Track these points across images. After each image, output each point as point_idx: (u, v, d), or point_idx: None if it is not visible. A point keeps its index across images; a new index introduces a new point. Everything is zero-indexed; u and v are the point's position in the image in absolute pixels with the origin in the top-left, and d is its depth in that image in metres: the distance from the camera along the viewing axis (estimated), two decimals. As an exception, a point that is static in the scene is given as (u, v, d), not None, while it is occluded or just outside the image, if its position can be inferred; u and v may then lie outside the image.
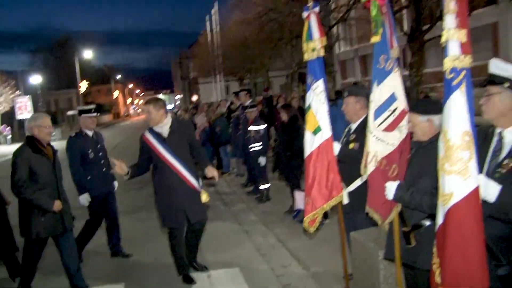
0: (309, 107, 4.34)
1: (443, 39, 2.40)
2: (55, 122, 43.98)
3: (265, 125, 8.97)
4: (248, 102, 9.59)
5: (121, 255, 6.26)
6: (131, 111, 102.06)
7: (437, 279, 2.50)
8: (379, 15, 3.38)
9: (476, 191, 2.35)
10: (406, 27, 17.38)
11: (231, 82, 44.01)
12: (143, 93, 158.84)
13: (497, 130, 2.67)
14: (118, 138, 31.10)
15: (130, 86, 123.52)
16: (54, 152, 4.96)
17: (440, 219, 2.50)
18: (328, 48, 31.28)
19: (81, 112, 6.08)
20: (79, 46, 60.21)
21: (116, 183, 6.33)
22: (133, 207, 9.14)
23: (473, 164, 2.35)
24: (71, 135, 6.09)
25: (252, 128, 8.73)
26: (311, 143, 4.27)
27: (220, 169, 12.22)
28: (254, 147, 8.64)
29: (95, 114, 6.07)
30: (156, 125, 5.04)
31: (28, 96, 37.81)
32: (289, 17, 20.20)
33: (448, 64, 2.38)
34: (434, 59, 26.82)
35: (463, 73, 2.37)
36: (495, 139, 2.68)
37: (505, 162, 2.57)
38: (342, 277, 4.71)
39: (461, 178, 2.35)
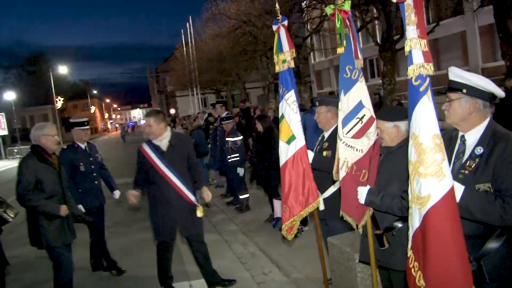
0: (282, 116, 4.45)
1: (406, 49, 2.53)
2: (29, 139, 43.35)
3: (241, 137, 9.08)
4: (224, 114, 9.70)
5: (103, 269, 6.25)
6: (109, 125, 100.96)
7: (419, 282, 2.53)
8: (343, 27, 3.53)
9: (451, 191, 2.43)
10: (378, 37, 17.73)
11: (208, 94, 44.09)
12: (120, 108, 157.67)
13: (460, 134, 2.81)
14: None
15: (107, 100, 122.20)
16: (59, 162, 4.95)
17: (416, 223, 2.53)
18: (303, 59, 31.75)
19: (73, 125, 6.06)
20: (53, 62, 59.66)
21: (117, 192, 6.49)
22: (111, 221, 9.10)
23: (446, 165, 2.44)
24: (63, 147, 6.07)
25: (229, 139, 8.83)
26: (285, 152, 4.36)
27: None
28: (232, 158, 8.73)
29: (87, 126, 6.08)
30: (156, 138, 5.00)
31: (2, 113, 37.20)
32: (263, 30, 20.42)
33: (413, 71, 2.50)
34: (407, 68, 27.41)
35: (428, 79, 2.49)
36: (458, 142, 2.82)
37: (468, 163, 2.70)
38: (322, 282, 4.82)
39: (436, 180, 2.41)
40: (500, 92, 2.67)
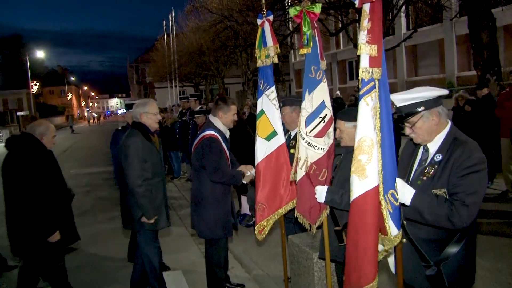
0: (262, 112, 4.38)
1: (358, 52, 2.63)
2: (2, 123, 42.37)
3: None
4: (197, 108, 9.64)
5: None
6: (86, 113, 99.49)
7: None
8: (309, 29, 3.54)
9: (372, 192, 2.58)
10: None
11: (187, 87, 43.83)
12: (97, 96, 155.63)
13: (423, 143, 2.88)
14: (70, 141, 30.45)
15: (85, 88, 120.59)
16: (160, 142, 4.86)
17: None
18: (283, 57, 31.78)
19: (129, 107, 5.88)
20: (30, 45, 58.46)
21: None
22: (78, 210, 8.97)
23: (371, 167, 2.57)
24: (117, 128, 5.80)
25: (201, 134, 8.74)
26: (263, 149, 4.30)
27: (171, 174, 12.20)
28: (203, 152, 8.65)
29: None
30: (230, 126, 4.80)
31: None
32: (243, 26, 20.40)
33: (360, 75, 2.61)
34: (385, 72, 27.73)
35: (371, 84, 2.59)
36: (421, 150, 2.90)
37: (426, 170, 2.77)
38: (282, 280, 4.84)
39: (357, 178, 2.64)
40: (443, 91, 2.75)
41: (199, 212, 4.64)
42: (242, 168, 4.75)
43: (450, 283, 2.68)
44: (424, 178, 2.75)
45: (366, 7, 2.58)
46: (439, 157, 2.72)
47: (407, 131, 2.84)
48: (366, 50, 2.57)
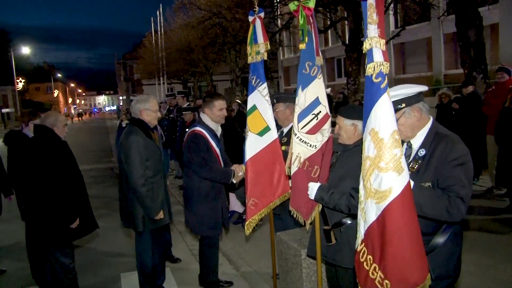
0: (254, 108, 4.37)
1: (367, 46, 2.54)
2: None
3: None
4: (185, 105, 9.59)
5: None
6: (72, 111, 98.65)
7: (374, 275, 2.56)
8: (305, 24, 3.53)
9: (409, 184, 2.48)
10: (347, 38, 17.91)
11: (175, 84, 43.66)
12: (85, 93, 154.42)
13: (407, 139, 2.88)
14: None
15: (72, 85, 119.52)
16: (159, 138, 4.81)
17: (372, 217, 2.55)
18: (272, 54, 31.78)
19: None
20: (16, 41, 57.71)
21: None
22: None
23: (403, 160, 2.48)
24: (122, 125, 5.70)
25: (188, 130, 8.70)
26: (255, 144, 4.29)
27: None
28: (191, 149, 8.61)
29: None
30: (219, 122, 4.74)
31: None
32: (232, 22, 20.36)
33: (373, 69, 2.51)
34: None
35: (387, 78, 2.53)
36: (405, 146, 2.89)
37: (411, 165, 2.77)
38: (271, 276, 4.83)
39: (396, 174, 2.45)
40: (423, 87, 2.78)
41: (190, 208, 4.69)
42: (234, 167, 4.71)
43: (437, 277, 2.67)
44: (409, 173, 2.75)
45: (373, 0, 2.50)
46: (422, 152, 2.75)
47: None
48: (379, 44, 2.50)
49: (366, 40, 2.55)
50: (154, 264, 4.74)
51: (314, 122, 3.56)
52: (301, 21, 3.54)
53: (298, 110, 3.59)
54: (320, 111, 3.57)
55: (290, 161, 3.68)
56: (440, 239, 2.70)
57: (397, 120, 2.72)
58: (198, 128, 4.58)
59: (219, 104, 4.66)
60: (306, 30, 3.54)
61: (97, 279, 5.23)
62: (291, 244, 4.20)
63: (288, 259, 4.32)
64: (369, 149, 2.55)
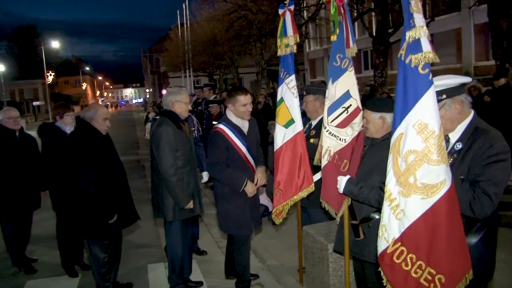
0: (281, 100, 4.40)
1: (415, 35, 2.45)
2: (20, 112, 42.89)
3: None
4: (212, 97, 9.62)
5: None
6: (100, 103, 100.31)
7: (417, 273, 2.50)
8: (337, 15, 3.48)
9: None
10: (374, 29, 17.65)
11: (201, 77, 43.86)
12: (112, 86, 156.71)
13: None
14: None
15: (99, 78, 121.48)
16: (190, 130, 4.80)
17: (417, 213, 2.48)
18: (298, 46, 31.51)
19: None
20: (45, 35, 58.89)
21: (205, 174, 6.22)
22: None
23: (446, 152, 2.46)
24: (155, 118, 5.83)
25: (215, 123, 8.71)
26: (282, 136, 4.32)
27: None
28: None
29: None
30: (243, 118, 4.46)
31: (-10, 85, 36.79)
32: (258, 15, 20.29)
33: (418, 60, 2.44)
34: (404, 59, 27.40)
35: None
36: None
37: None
38: (296, 270, 4.82)
39: (446, 166, 2.42)
40: (466, 78, 2.69)
41: (216, 205, 4.63)
42: (257, 171, 4.51)
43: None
44: None
45: None
46: (459, 145, 2.68)
47: None
48: (426, 33, 2.44)
49: (413, 29, 2.46)
50: (183, 255, 4.76)
51: (344, 115, 3.52)
52: (332, 12, 3.49)
53: (328, 103, 3.56)
54: (350, 105, 3.53)
55: (320, 154, 3.66)
56: (472, 239, 2.63)
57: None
58: (220, 126, 4.39)
59: (243, 99, 4.37)
60: (337, 21, 3.49)
61: (124, 270, 5.29)
62: (318, 238, 4.18)
63: (314, 253, 4.30)
64: (414, 142, 2.47)
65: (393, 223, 2.56)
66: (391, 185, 2.57)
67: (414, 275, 2.49)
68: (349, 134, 3.52)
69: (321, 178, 3.97)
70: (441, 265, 2.44)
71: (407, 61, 2.48)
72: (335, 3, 3.46)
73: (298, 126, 4.24)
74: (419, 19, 2.44)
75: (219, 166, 4.30)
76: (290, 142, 4.25)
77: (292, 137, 4.25)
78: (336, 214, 3.64)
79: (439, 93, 2.64)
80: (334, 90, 3.55)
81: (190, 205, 4.48)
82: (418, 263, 2.48)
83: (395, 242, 2.55)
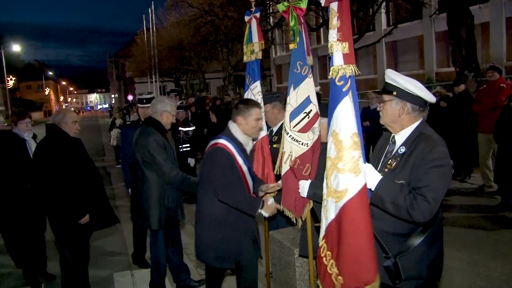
0: None
1: (329, 51, 2.64)
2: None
3: (194, 127, 8.99)
4: (178, 103, 9.59)
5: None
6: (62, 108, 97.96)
7: (331, 270, 2.68)
8: (296, 24, 3.54)
9: (365, 187, 2.57)
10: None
11: (167, 82, 43.55)
12: (76, 91, 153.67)
13: (392, 135, 2.89)
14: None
15: (63, 83, 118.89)
16: (171, 139, 4.80)
17: (331, 215, 2.68)
18: (264, 52, 31.70)
19: (138, 102, 5.77)
20: (6, 38, 57.19)
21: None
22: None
23: (361, 162, 2.57)
24: (127, 122, 5.73)
25: (181, 129, 8.69)
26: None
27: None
28: (183, 148, 8.62)
29: (147, 104, 5.55)
30: (252, 136, 3.90)
31: None
32: (224, 20, 20.33)
33: (334, 72, 2.62)
34: (366, 68, 27.96)
35: (350, 81, 2.61)
36: (389, 142, 2.91)
37: (389, 162, 2.79)
38: (264, 275, 4.84)
39: (353, 175, 2.55)
40: (430, 98, 2.72)
41: (198, 232, 3.90)
42: (265, 188, 3.99)
43: (408, 277, 2.66)
44: (386, 170, 2.77)
45: (334, 5, 2.60)
46: (402, 149, 2.74)
47: (378, 106, 2.88)
48: (339, 48, 2.59)
49: (329, 44, 2.65)
50: (171, 262, 4.81)
51: (306, 120, 3.57)
52: (292, 22, 3.55)
53: (290, 109, 3.61)
54: (311, 110, 3.58)
55: (281, 160, 3.70)
56: (415, 241, 2.67)
57: (384, 102, 2.80)
58: (222, 141, 3.74)
59: (256, 113, 3.80)
60: (297, 30, 3.56)
61: (90, 279, 5.20)
62: (284, 243, 4.22)
63: (281, 258, 4.34)
64: (330, 150, 2.68)
65: (322, 221, 2.81)
66: (324, 185, 2.78)
67: (329, 271, 2.70)
68: (310, 138, 3.58)
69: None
70: (343, 267, 2.62)
71: (329, 74, 2.67)
72: (294, 13, 3.53)
73: (263, 131, 4.29)
74: (331, 34, 2.62)
75: (230, 188, 3.64)
76: (254, 148, 4.29)
77: (257, 142, 4.30)
78: (296, 219, 3.67)
79: (392, 88, 2.75)
80: (296, 96, 3.60)
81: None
82: (331, 261, 2.69)
83: (322, 238, 2.81)
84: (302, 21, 3.57)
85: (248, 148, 3.89)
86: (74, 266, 4.51)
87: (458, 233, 6.10)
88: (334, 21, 2.60)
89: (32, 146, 5.22)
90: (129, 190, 5.49)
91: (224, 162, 3.66)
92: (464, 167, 9.10)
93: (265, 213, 3.75)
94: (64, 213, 4.33)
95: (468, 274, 4.93)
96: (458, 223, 6.54)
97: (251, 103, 3.83)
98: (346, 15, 2.59)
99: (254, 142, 4.23)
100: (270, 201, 3.83)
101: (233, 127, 3.82)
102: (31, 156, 5.10)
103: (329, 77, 2.64)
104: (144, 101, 5.62)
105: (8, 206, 5.14)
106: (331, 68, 2.63)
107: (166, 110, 4.55)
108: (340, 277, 2.61)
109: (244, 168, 3.79)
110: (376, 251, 2.68)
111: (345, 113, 2.59)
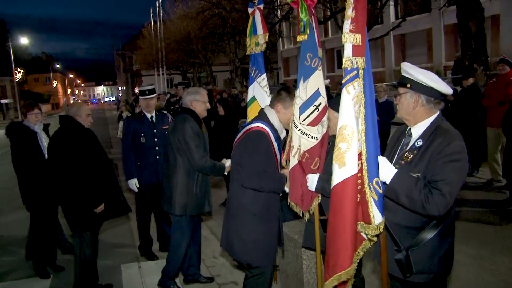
0: (253, 98, 4.44)
1: (342, 41, 2.63)
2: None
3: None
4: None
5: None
6: (71, 101, 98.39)
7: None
8: (306, 15, 3.51)
9: (351, 180, 2.60)
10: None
11: (175, 75, 43.60)
12: (83, 84, 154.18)
13: (408, 127, 2.89)
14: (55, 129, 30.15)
15: (71, 76, 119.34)
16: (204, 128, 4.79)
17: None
18: (271, 45, 31.70)
19: (139, 94, 5.76)
20: (14, 31, 57.45)
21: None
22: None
23: (350, 156, 2.60)
24: (128, 115, 5.81)
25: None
26: None
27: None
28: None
29: (151, 95, 5.65)
30: (287, 126, 3.73)
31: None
32: (231, 13, 20.29)
33: (344, 64, 2.63)
34: (374, 61, 27.79)
35: (353, 73, 2.61)
36: (406, 135, 2.90)
37: (405, 155, 2.78)
38: (270, 267, 4.85)
39: (337, 166, 2.64)
40: (446, 89, 2.71)
41: (234, 226, 3.66)
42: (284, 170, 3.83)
43: (418, 271, 2.67)
44: (402, 162, 2.76)
45: None
46: (419, 142, 2.73)
47: (395, 99, 2.90)
48: (350, 39, 2.58)
49: (343, 35, 2.63)
50: (187, 254, 4.79)
51: (316, 113, 3.53)
52: (302, 13, 3.51)
53: (299, 102, 3.56)
54: (320, 103, 3.55)
55: (289, 153, 3.68)
56: (427, 235, 2.68)
57: (400, 95, 2.82)
58: (262, 125, 3.57)
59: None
60: (308, 22, 3.52)
61: (98, 270, 5.24)
62: (292, 236, 4.22)
63: (288, 251, 4.34)
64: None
65: None
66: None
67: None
68: (319, 131, 3.55)
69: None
70: (328, 249, 2.76)
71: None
72: (304, 4, 3.49)
73: None
74: (345, 24, 2.62)
75: (262, 175, 3.51)
76: None
77: None
78: (303, 213, 3.66)
79: (407, 80, 2.75)
80: (306, 89, 3.57)
81: (228, 167, 4.48)
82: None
83: None
84: (313, 12, 3.54)
85: (282, 136, 3.77)
86: (84, 256, 4.56)
87: (465, 228, 6.07)
88: (349, 12, 2.58)
89: (43, 138, 5.26)
90: (129, 182, 5.57)
91: (262, 146, 3.51)
92: (472, 161, 9.05)
93: (287, 188, 3.65)
94: (80, 202, 4.39)
95: (474, 269, 4.91)
96: (466, 218, 6.51)
97: (293, 95, 3.61)
98: (362, 6, 2.58)
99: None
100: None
101: (271, 113, 3.69)
102: (42, 149, 5.18)
103: (345, 66, 2.65)
104: (147, 92, 5.62)
105: (23, 198, 5.23)
106: (344, 59, 2.64)
107: (195, 99, 4.58)
108: (327, 258, 2.75)
109: (278, 155, 3.67)
110: (387, 244, 2.70)
111: (342, 105, 2.66)
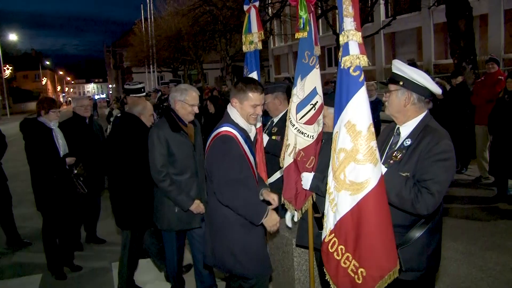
0: None
1: (343, 39, 2.58)
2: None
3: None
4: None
5: None
6: (61, 99, 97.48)
7: (346, 263, 2.63)
8: (306, 12, 3.51)
9: (382, 176, 2.55)
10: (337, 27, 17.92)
11: (165, 72, 43.40)
12: (73, 81, 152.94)
13: (397, 126, 2.90)
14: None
15: (60, 73, 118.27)
16: (196, 133, 4.30)
17: (345, 208, 2.60)
18: (263, 43, 31.59)
19: (129, 92, 5.62)
20: (2, 27, 56.91)
21: None
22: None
23: (377, 152, 2.55)
24: (117, 115, 5.70)
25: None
26: None
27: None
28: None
29: (143, 93, 5.58)
30: (249, 123, 3.40)
31: None
32: (223, 10, 20.26)
33: (350, 62, 2.55)
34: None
35: (361, 73, 2.57)
36: (394, 134, 2.91)
37: (394, 154, 2.79)
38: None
39: (373, 166, 2.51)
40: (436, 89, 2.72)
41: (220, 240, 3.34)
42: (266, 194, 3.44)
43: (408, 269, 2.68)
44: (391, 161, 2.76)
45: None
46: (408, 142, 2.73)
47: (384, 96, 2.87)
48: (356, 37, 2.54)
49: (342, 33, 2.58)
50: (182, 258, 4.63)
51: (312, 112, 3.54)
52: (301, 10, 3.50)
53: (296, 100, 3.57)
54: (317, 101, 3.57)
55: (285, 152, 3.67)
56: (416, 233, 2.69)
57: (390, 92, 2.80)
58: (228, 129, 3.27)
59: (255, 98, 3.29)
60: (307, 19, 3.52)
61: (87, 270, 5.25)
62: (283, 234, 4.24)
63: (279, 248, 4.36)
64: (344, 141, 2.59)
65: (330, 215, 2.73)
66: (330, 179, 2.72)
67: (343, 265, 2.65)
68: (315, 130, 3.56)
69: (282, 177, 3.94)
70: (364, 259, 2.57)
71: (341, 63, 2.61)
72: (304, 1, 3.49)
73: (258, 123, 4.26)
74: (347, 22, 2.55)
75: (235, 187, 3.13)
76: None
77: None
78: (296, 211, 3.67)
79: (399, 77, 2.74)
80: (303, 87, 3.58)
81: (197, 206, 4.07)
82: (346, 254, 2.63)
83: (330, 232, 2.72)
84: (312, 9, 3.54)
85: (252, 136, 3.48)
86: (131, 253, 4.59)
87: (454, 224, 6.15)
88: (350, 10, 2.54)
89: (58, 134, 5.20)
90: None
91: (232, 152, 3.18)
92: (461, 159, 9.15)
93: (266, 224, 3.18)
94: (142, 201, 4.38)
95: (463, 264, 4.98)
96: (454, 214, 6.60)
97: (251, 86, 3.29)
98: (357, 5, 2.57)
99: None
100: (274, 215, 3.22)
101: (232, 112, 3.37)
102: (58, 146, 5.12)
103: (342, 67, 2.59)
104: (142, 90, 5.56)
105: (38, 195, 5.19)
106: (344, 58, 2.57)
107: (179, 100, 4.06)
108: (362, 269, 2.56)
109: (251, 158, 3.36)
110: None
111: (363, 104, 2.55)
